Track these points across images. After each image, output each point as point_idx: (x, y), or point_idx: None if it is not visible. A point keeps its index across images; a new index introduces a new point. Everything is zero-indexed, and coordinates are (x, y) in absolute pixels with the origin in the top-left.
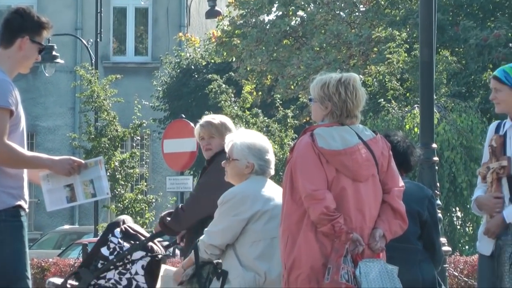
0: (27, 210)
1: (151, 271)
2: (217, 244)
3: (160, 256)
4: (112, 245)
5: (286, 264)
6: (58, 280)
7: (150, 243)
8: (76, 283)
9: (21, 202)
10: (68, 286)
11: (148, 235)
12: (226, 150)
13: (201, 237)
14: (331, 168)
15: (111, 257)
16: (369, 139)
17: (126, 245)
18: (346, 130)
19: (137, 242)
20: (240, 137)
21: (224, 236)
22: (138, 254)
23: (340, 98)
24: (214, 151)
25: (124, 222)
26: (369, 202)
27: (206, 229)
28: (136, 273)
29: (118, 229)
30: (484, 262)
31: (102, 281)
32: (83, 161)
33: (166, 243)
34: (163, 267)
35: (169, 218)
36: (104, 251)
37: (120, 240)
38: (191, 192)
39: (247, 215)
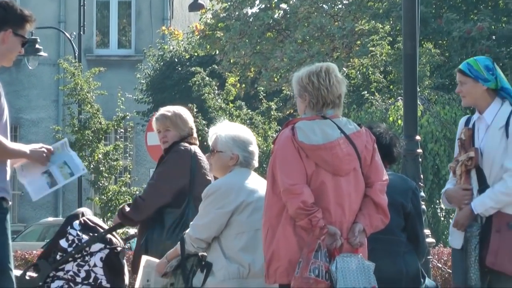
0: (10, 202)
1: (110, 263)
2: (203, 237)
3: (119, 248)
4: (70, 237)
5: (266, 257)
6: (18, 272)
7: (109, 235)
8: (35, 275)
9: (4, 194)
10: (27, 277)
11: (107, 227)
12: (210, 143)
13: (187, 231)
14: (311, 163)
15: (69, 249)
16: (352, 133)
17: (85, 237)
18: (327, 124)
19: (96, 234)
20: (224, 129)
21: (210, 229)
22: (96, 246)
23: (313, 86)
24: (170, 143)
25: (83, 215)
26: (350, 196)
27: (191, 222)
28: (95, 265)
29: (77, 221)
30: (457, 256)
31: (60, 273)
32: (51, 147)
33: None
34: (144, 258)
35: (128, 209)
36: (63, 243)
37: (79, 232)
38: (149, 181)
39: (232, 207)
